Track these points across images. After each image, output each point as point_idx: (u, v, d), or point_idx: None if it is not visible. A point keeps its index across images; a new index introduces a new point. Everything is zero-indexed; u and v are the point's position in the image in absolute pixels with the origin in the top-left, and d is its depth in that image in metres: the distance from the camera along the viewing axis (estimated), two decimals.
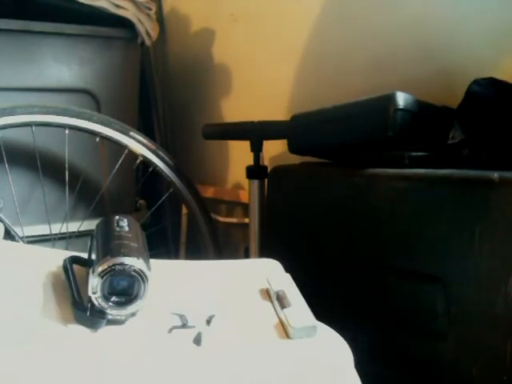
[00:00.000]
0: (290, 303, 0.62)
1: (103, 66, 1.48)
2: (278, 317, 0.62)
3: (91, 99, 1.45)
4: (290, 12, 1.42)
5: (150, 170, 1.35)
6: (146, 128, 1.76)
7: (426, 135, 0.95)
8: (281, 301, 0.63)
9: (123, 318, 0.57)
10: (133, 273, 0.55)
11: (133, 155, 1.32)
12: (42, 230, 1.34)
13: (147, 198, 1.62)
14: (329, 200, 0.95)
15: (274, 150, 1.36)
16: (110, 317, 0.56)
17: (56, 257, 0.67)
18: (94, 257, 0.59)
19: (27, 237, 1.27)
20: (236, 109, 1.63)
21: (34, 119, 1.19)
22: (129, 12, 1.44)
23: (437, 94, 1.06)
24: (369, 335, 0.88)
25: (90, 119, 1.27)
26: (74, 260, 0.65)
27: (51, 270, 0.65)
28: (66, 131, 1.24)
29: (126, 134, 1.31)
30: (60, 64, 1.40)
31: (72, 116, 1.25)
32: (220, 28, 1.64)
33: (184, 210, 1.67)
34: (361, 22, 1.28)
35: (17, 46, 1.33)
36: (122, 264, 0.55)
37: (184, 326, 0.59)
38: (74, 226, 1.35)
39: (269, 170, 1.15)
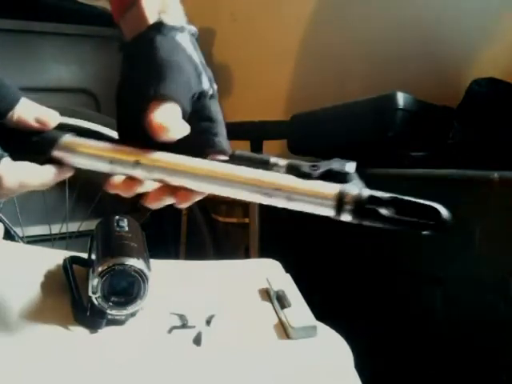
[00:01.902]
0: (290, 303, 0.62)
1: (103, 65, 1.48)
2: (278, 317, 0.62)
3: (91, 99, 1.46)
4: (290, 12, 1.42)
5: None
6: None
7: (425, 135, 0.95)
8: (281, 301, 0.63)
9: (123, 317, 0.57)
10: (133, 273, 0.55)
11: None
12: (42, 230, 1.34)
13: None
14: None
15: (274, 150, 1.36)
16: (109, 317, 0.56)
17: (56, 257, 0.67)
18: (93, 257, 0.59)
19: (27, 237, 1.27)
20: (236, 109, 1.63)
21: None
22: None
23: (437, 94, 1.06)
24: (369, 335, 0.88)
25: (89, 119, 1.27)
26: (74, 260, 0.65)
27: (51, 270, 0.65)
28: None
29: None
30: (60, 64, 1.40)
31: (72, 116, 1.25)
32: (220, 28, 1.64)
33: (184, 210, 1.67)
34: (361, 23, 1.28)
35: (17, 46, 1.33)
36: (122, 264, 0.55)
37: (184, 326, 0.59)
38: (73, 226, 1.35)
39: None
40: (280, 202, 0.43)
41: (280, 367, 0.54)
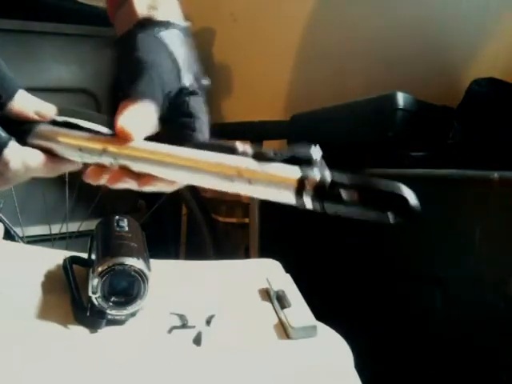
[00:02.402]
0: (290, 303, 0.62)
1: (103, 65, 1.48)
2: (278, 317, 0.62)
3: (91, 99, 1.46)
4: (290, 12, 1.42)
5: None
6: None
7: (425, 135, 0.95)
8: (281, 301, 0.63)
9: (123, 317, 0.57)
10: (133, 273, 0.55)
11: None
12: (42, 230, 1.34)
13: (147, 198, 1.62)
14: None
15: None
16: (109, 317, 0.56)
17: (56, 257, 0.67)
18: (93, 257, 0.59)
19: (27, 237, 1.27)
20: (236, 109, 1.63)
21: None
22: None
23: (437, 94, 1.06)
24: (369, 335, 0.88)
25: (90, 119, 1.27)
26: (74, 260, 0.65)
27: (51, 270, 0.65)
28: None
29: None
30: (60, 64, 1.40)
31: (72, 116, 1.24)
32: (220, 28, 1.64)
33: (184, 210, 1.67)
34: (361, 23, 1.28)
35: (17, 45, 1.33)
36: (121, 264, 0.55)
37: (184, 326, 0.59)
38: (73, 226, 1.35)
39: None
40: (242, 188, 0.43)
41: (280, 367, 0.54)
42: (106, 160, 0.46)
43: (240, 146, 0.45)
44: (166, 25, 0.52)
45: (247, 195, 0.44)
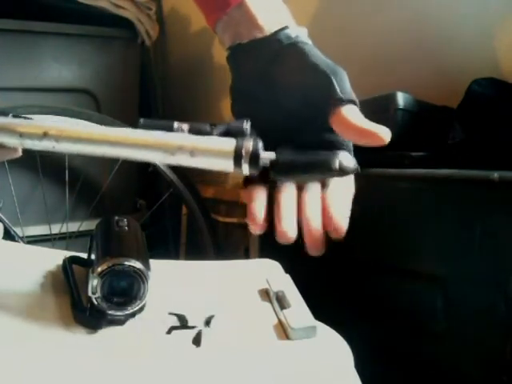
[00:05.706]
0: (290, 304, 0.62)
1: (103, 65, 1.48)
2: (278, 318, 0.62)
3: (91, 99, 1.46)
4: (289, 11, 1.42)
5: (150, 169, 1.35)
6: None
7: (426, 135, 0.95)
8: (280, 301, 0.63)
9: (123, 318, 0.57)
10: (133, 273, 0.55)
11: None
12: (42, 230, 1.34)
13: (147, 198, 1.62)
14: None
15: None
16: (109, 317, 0.56)
17: (56, 257, 0.67)
18: (93, 257, 0.59)
19: (27, 237, 1.27)
20: None
21: None
22: (129, 12, 1.44)
23: (437, 94, 1.06)
24: (369, 335, 0.88)
25: (89, 119, 1.27)
26: (74, 260, 0.65)
27: (51, 270, 0.65)
28: None
29: None
30: (60, 64, 1.41)
31: (72, 116, 1.25)
32: None
33: (184, 210, 1.67)
34: (360, 22, 1.28)
35: (17, 46, 1.34)
36: (121, 264, 0.55)
37: (183, 326, 0.59)
38: (73, 226, 1.35)
39: None
40: (184, 160, 0.46)
41: (280, 368, 0.54)
42: (47, 144, 0.47)
43: (176, 123, 0.48)
44: (300, 32, 0.54)
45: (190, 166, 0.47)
